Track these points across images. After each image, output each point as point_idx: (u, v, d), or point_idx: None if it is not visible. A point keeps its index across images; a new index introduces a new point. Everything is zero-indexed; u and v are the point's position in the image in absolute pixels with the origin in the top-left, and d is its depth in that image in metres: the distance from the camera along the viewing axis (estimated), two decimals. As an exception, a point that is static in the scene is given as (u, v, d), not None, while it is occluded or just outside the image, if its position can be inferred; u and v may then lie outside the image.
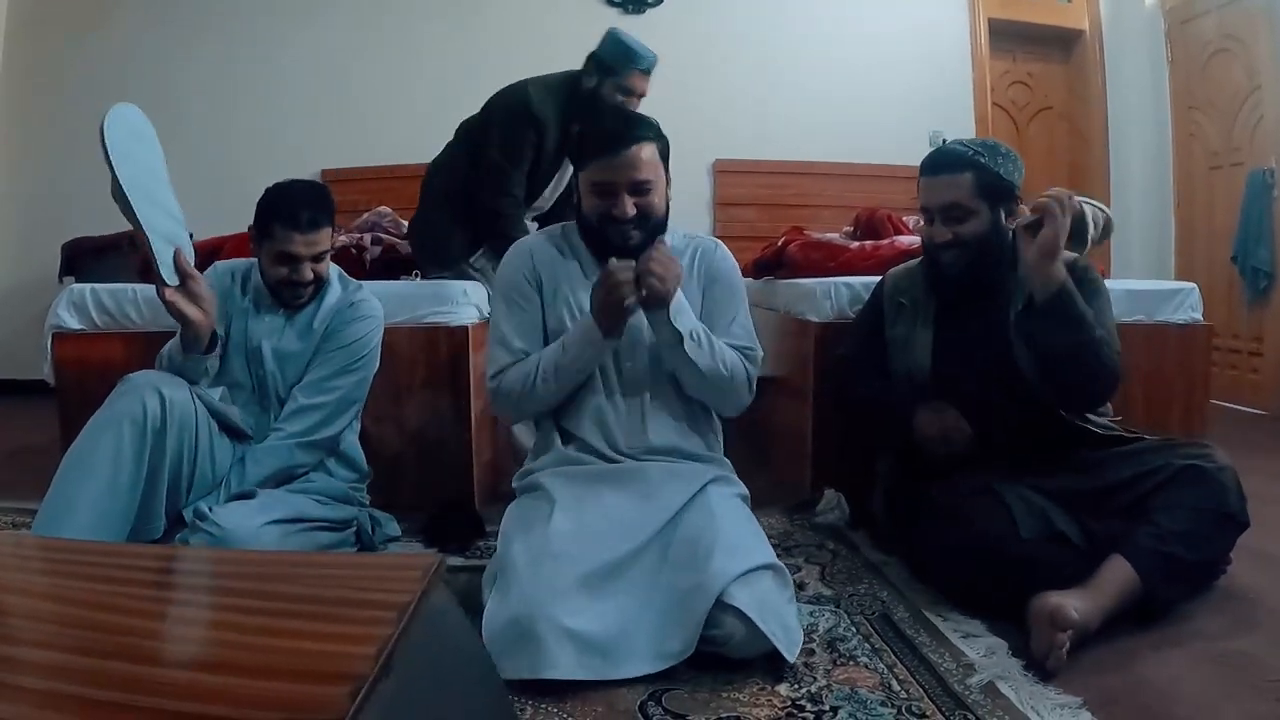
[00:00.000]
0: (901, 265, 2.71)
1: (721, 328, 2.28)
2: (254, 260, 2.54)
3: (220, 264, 2.64)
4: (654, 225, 2.22)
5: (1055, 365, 2.22)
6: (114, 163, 2.07)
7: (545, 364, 2.16)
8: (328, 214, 2.44)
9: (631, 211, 2.17)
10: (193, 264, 2.23)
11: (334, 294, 2.56)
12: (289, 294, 2.47)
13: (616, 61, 3.38)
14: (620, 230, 2.18)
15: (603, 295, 2.09)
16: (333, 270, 2.60)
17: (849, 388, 2.60)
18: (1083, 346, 2.17)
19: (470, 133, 3.57)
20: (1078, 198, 2.42)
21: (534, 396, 2.19)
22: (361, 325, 2.52)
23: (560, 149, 3.48)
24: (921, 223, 2.51)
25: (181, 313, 2.19)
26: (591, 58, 3.43)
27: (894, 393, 2.47)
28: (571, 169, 3.38)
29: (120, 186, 2.08)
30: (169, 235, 2.21)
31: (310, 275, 2.44)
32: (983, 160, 2.32)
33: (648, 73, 3.40)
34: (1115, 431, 2.39)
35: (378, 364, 2.61)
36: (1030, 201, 2.26)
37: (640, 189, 2.17)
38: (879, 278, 2.91)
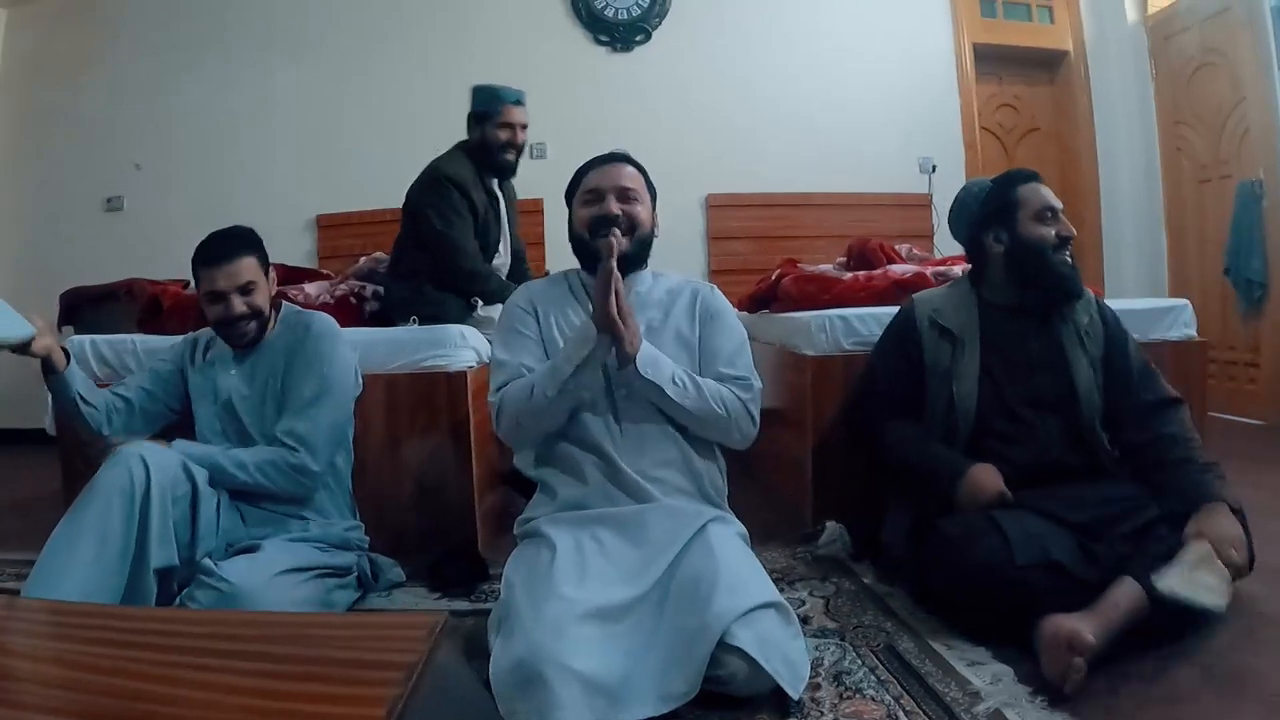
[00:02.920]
0: (930, 290, 2.75)
1: (723, 359, 2.31)
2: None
3: (185, 338, 2.72)
4: (641, 238, 2.33)
5: None
6: None
7: (544, 371, 2.20)
8: (244, 246, 2.49)
9: (617, 210, 2.28)
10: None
11: (290, 324, 2.61)
12: (231, 333, 2.51)
13: (486, 106, 3.63)
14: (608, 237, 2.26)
15: (599, 282, 2.12)
16: (289, 308, 2.68)
17: (881, 438, 2.56)
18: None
19: (407, 221, 3.71)
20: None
21: (534, 409, 2.19)
22: (313, 347, 2.54)
23: (489, 204, 3.66)
24: (1023, 226, 2.52)
25: (48, 350, 2.34)
26: (469, 117, 3.69)
27: (936, 458, 2.44)
28: (507, 224, 3.76)
29: None
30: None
31: (242, 308, 2.47)
32: None
33: (518, 103, 3.64)
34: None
35: (357, 385, 2.66)
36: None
37: (626, 196, 2.31)
38: (873, 309, 2.94)
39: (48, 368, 2.38)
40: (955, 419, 2.44)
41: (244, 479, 2.39)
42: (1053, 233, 2.48)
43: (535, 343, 2.33)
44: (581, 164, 2.40)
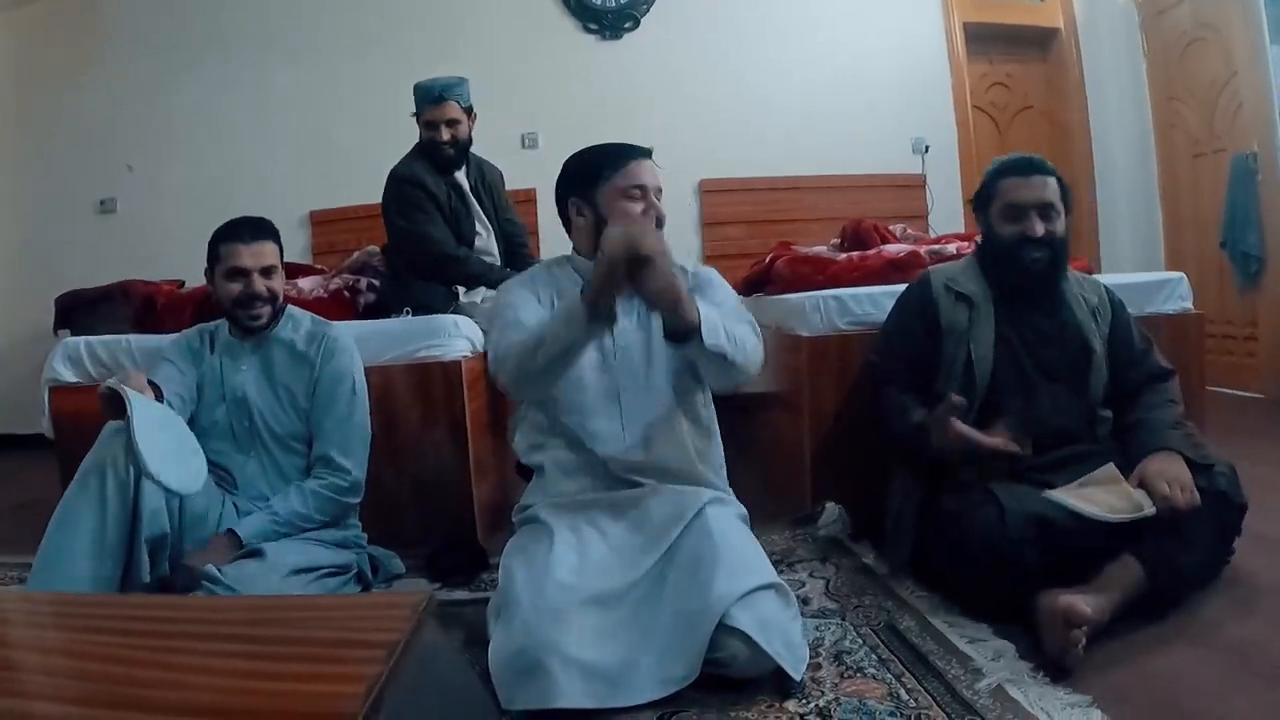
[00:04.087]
0: (946, 263, 2.77)
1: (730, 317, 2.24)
2: (223, 320, 2.64)
3: (189, 330, 2.72)
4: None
5: None
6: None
7: (536, 333, 2.05)
8: (269, 233, 2.57)
9: (664, 214, 2.24)
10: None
11: (302, 324, 2.64)
12: (245, 315, 2.52)
13: (417, 104, 3.70)
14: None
15: (600, 268, 1.93)
16: (294, 309, 2.70)
17: (880, 405, 2.58)
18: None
19: (386, 227, 3.77)
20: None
21: (526, 367, 2.05)
22: (342, 360, 2.59)
23: (452, 195, 3.69)
24: (994, 221, 2.52)
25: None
26: None
27: (910, 421, 2.43)
28: (480, 211, 3.75)
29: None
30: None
31: (262, 289, 2.51)
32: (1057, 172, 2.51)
33: (440, 100, 3.62)
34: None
35: (367, 398, 2.66)
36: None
37: (658, 196, 2.25)
38: (868, 289, 2.94)
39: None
40: (972, 381, 2.44)
41: (310, 527, 2.44)
42: (1018, 231, 2.45)
43: (538, 311, 2.23)
44: (600, 150, 2.28)
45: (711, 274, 2.40)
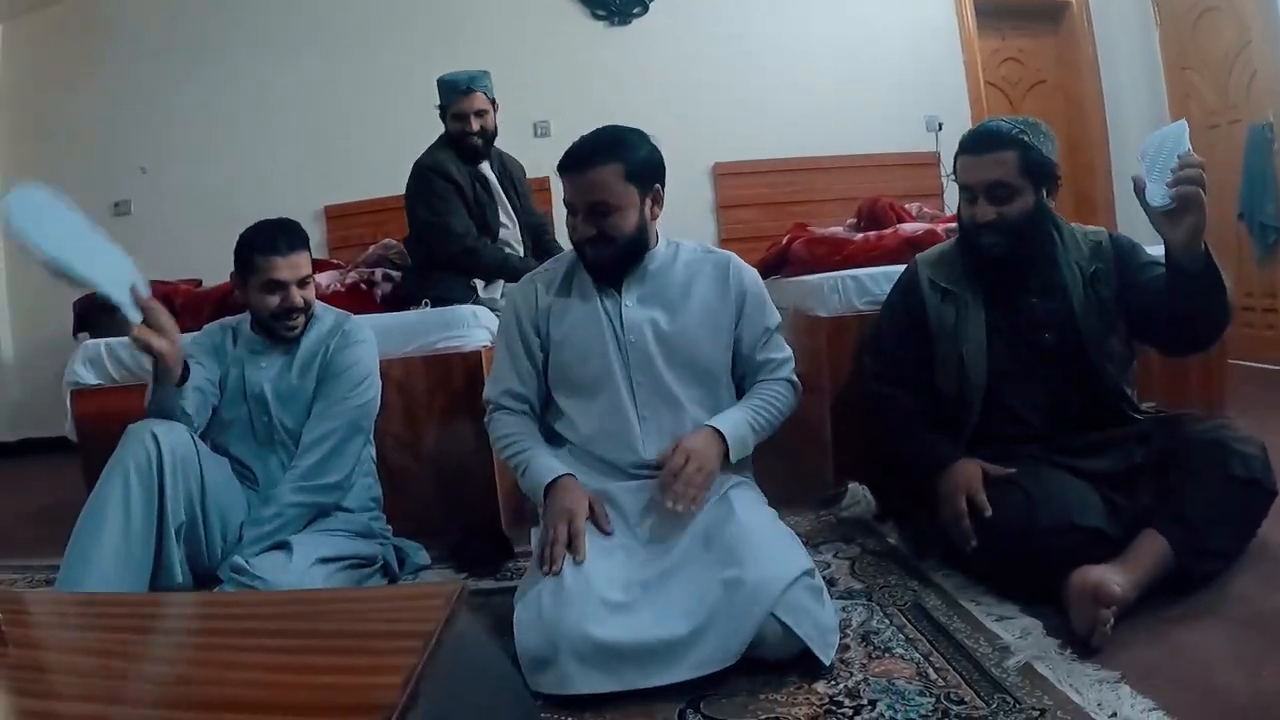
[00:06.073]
0: (932, 249, 2.66)
1: (762, 341, 2.30)
2: (244, 315, 2.63)
3: (210, 325, 2.71)
4: (622, 245, 2.19)
5: (1201, 312, 2.18)
6: (32, 244, 2.05)
7: (515, 454, 2.24)
8: (303, 241, 2.54)
9: (590, 233, 2.17)
10: (147, 294, 2.19)
11: (325, 323, 2.63)
12: (282, 326, 2.52)
13: (443, 97, 3.70)
14: (587, 249, 2.21)
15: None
16: (320, 305, 2.68)
17: (885, 409, 2.54)
18: (1223, 288, 2.13)
19: (407, 217, 3.79)
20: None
21: (498, 452, 2.33)
22: (354, 350, 2.57)
23: (477, 186, 3.70)
24: (960, 202, 2.43)
25: (149, 345, 2.17)
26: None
27: (925, 446, 2.41)
28: (505, 201, 3.80)
29: (52, 261, 2.06)
30: (118, 278, 2.14)
31: (300, 301, 2.50)
32: (1026, 138, 2.26)
33: (469, 91, 3.63)
34: (1150, 415, 2.40)
35: (379, 391, 2.64)
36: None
37: (599, 209, 2.14)
38: (885, 268, 2.92)
39: (160, 377, 2.28)
40: (967, 377, 2.38)
41: (294, 516, 2.40)
42: (970, 215, 2.36)
43: (530, 357, 2.30)
44: (570, 146, 2.22)
45: (752, 285, 2.33)
